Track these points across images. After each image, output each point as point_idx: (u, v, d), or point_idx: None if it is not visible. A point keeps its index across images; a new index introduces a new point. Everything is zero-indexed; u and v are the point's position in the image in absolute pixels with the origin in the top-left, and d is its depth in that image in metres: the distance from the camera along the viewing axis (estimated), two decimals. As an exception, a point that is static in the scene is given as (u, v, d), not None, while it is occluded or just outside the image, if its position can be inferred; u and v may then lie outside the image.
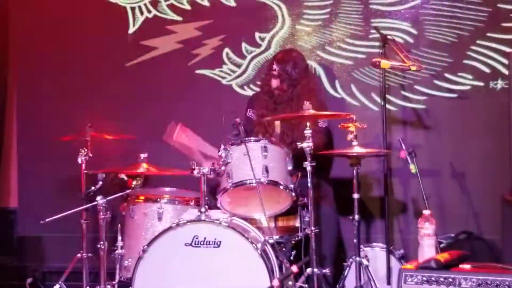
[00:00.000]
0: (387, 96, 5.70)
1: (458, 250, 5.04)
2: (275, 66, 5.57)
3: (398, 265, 5.27)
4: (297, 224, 5.04)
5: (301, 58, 5.73)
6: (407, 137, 5.99)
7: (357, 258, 4.88)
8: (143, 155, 5.19)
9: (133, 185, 5.27)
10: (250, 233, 4.72)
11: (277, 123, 5.48)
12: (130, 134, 6.27)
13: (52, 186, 6.53)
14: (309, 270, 4.64)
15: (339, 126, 5.00)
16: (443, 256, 4.46)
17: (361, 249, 5.09)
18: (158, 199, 5.12)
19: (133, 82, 6.56)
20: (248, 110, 5.67)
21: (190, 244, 4.58)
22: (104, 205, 4.83)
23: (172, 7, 6.54)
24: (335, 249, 5.38)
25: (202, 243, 4.57)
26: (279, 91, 5.55)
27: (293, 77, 5.53)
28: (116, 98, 6.57)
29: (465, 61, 6.10)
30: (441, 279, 4.20)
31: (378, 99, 6.09)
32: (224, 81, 6.47)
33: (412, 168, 5.18)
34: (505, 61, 5.99)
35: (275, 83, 5.58)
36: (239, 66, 6.45)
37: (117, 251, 5.13)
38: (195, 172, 4.70)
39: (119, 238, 5.17)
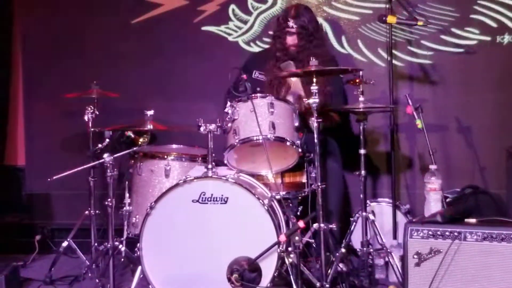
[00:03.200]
0: (393, 51, 5.68)
1: (464, 204, 5.06)
2: (291, 24, 5.50)
3: (404, 219, 5.31)
4: (304, 180, 5.05)
5: (312, 13, 5.68)
6: (413, 92, 5.98)
7: (364, 213, 4.91)
8: (149, 113, 5.18)
9: (140, 142, 5.30)
10: (257, 189, 4.74)
11: (295, 82, 5.44)
12: (136, 91, 6.30)
13: (59, 144, 6.55)
14: (315, 225, 4.67)
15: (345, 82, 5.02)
16: (449, 211, 4.49)
17: (367, 204, 5.11)
18: (165, 156, 5.15)
19: (139, 39, 6.54)
20: (254, 71, 5.61)
21: (197, 201, 4.59)
22: (111, 162, 4.84)
23: (177, -38, 6.51)
24: (341, 205, 5.40)
25: (209, 199, 4.58)
26: (296, 47, 5.49)
27: (310, 32, 5.48)
28: (122, 55, 6.55)
29: (472, 16, 6.06)
30: (447, 233, 4.23)
31: (384, 55, 6.07)
32: (230, 38, 6.44)
33: (419, 123, 5.19)
34: (512, 15, 5.98)
35: (291, 40, 5.50)
36: (245, 22, 6.41)
37: (124, 208, 5.16)
38: (202, 129, 4.70)
39: (127, 195, 5.19)
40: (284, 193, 4.94)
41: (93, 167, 5.31)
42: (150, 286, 4.67)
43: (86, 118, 5.42)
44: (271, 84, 5.47)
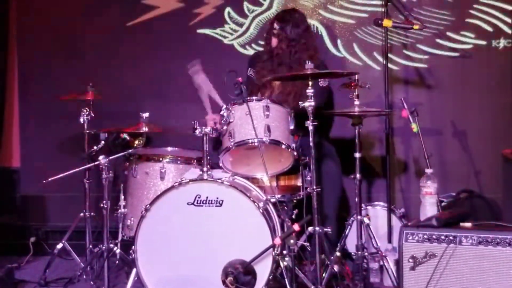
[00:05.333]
0: (389, 55, 5.68)
1: (459, 208, 5.07)
2: (275, 25, 5.54)
3: (399, 223, 5.31)
4: (299, 183, 5.05)
5: (303, 18, 5.67)
6: (409, 96, 5.99)
7: (358, 217, 4.91)
8: (145, 115, 5.17)
9: (135, 145, 5.28)
10: (252, 192, 4.74)
11: (277, 83, 5.48)
12: (132, 94, 6.29)
13: (54, 146, 6.54)
14: (310, 228, 4.68)
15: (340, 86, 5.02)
16: (445, 215, 4.49)
17: (362, 208, 5.11)
18: (161, 159, 5.13)
19: (134, 42, 6.53)
20: (249, 69, 5.64)
21: (193, 203, 4.59)
22: (106, 164, 4.84)
23: (173, -35, 6.51)
24: (337, 208, 5.40)
25: (204, 202, 4.58)
26: (278, 50, 5.52)
27: (291, 37, 5.49)
28: (117, 57, 6.55)
29: (468, 20, 6.07)
30: (442, 237, 4.23)
31: (380, 58, 6.08)
32: (226, 41, 6.45)
33: (414, 127, 5.18)
34: (508, 20, 5.99)
35: (275, 42, 5.53)
36: (241, 25, 6.42)
37: (119, 210, 5.15)
38: (197, 131, 4.69)
39: (122, 197, 5.19)
40: (279, 196, 4.93)
41: (88, 169, 5.31)
42: (144, 289, 4.67)
43: (81, 120, 5.42)
44: (259, 84, 5.49)
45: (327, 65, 5.59)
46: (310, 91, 4.60)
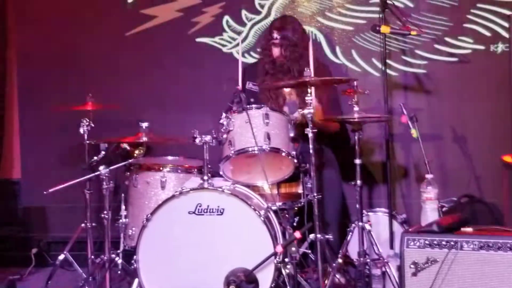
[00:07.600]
0: (387, 61, 5.69)
1: (460, 213, 5.07)
2: (275, 35, 5.54)
3: (401, 229, 5.31)
4: (300, 190, 5.06)
5: (298, 23, 5.72)
6: (408, 102, 5.99)
7: (360, 223, 4.90)
8: (144, 124, 5.18)
9: (135, 154, 5.28)
10: (253, 200, 4.74)
11: (287, 90, 5.48)
12: (131, 103, 6.30)
13: (54, 157, 6.54)
14: (312, 236, 4.68)
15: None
16: (445, 220, 4.49)
17: (363, 214, 5.11)
18: (161, 168, 5.14)
19: (133, 51, 6.54)
20: (247, 82, 5.63)
21: (194, 212, 4.59)
22: (107, 174, 4.84)
23: (171, -26, 6.52)
24: (339, 215, 5.40)
25: (205, 211, 4.58)
26: (282, 58, 5.52)
27: (294, 42, 5.51)
28: (116, 67, 6.55)
29: (466, 25, 6.08)
30: (443, 243, 4.22)
31: (379, 65, 6.08)
32: (224, 49, 6.45)
33: (414, 132, 5.19)
34: (506, 24, 5.99)
35: (277, 51, 5.54)
36: (239, 33, 6.43)
37: (121, 220, 5.16)
38: (197, 140, 4.70)
39: (123, 207, 5.20)
40: (280, 203, 4.94)
41: (89, 179, 5.28)
42: (147, 299, 4.67)
43: (81, 130, 5.39)
44: (268, 95, 5.49)
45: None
46: (309, 98, 4.60)
